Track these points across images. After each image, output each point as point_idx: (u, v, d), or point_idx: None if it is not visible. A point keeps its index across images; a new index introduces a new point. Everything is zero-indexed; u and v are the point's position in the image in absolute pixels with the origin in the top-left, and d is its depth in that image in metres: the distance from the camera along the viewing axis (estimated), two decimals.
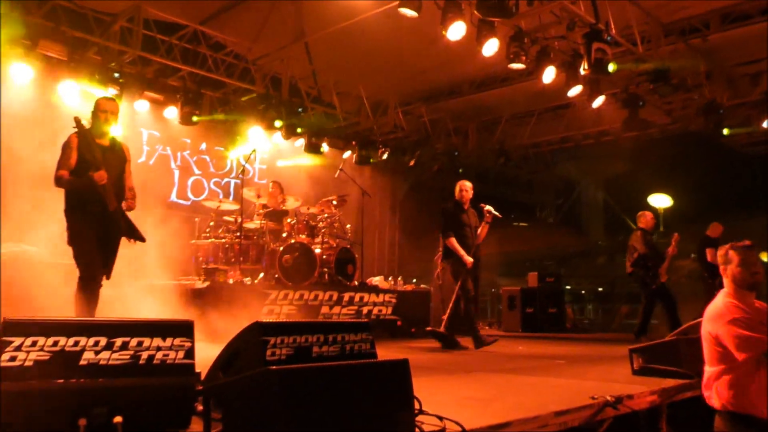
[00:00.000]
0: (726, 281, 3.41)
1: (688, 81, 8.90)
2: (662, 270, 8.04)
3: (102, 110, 4.77)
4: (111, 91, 8.06)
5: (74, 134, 4.64)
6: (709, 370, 3.35)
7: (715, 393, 3.28)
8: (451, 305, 6.71)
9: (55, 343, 2.42)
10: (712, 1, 8.15)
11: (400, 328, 8.43)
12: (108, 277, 4.74)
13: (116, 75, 8.07)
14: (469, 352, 6.58)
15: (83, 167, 4.54)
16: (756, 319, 3.21)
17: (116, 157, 4.82)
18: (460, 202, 6.97)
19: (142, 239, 4.84)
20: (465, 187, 6.98)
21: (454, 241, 6.69)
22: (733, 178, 11.90)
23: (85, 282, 4.53)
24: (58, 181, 4.59)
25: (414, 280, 10.03)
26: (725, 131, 9.77)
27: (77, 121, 4.53)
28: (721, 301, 3.38)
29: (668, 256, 8.10)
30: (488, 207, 6.82)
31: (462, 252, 6.65)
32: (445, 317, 6.76)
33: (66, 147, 4.62)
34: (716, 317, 3.30)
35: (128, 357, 2.55)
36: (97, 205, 4.56)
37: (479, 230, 6.90)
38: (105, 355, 2.50)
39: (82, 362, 2.45)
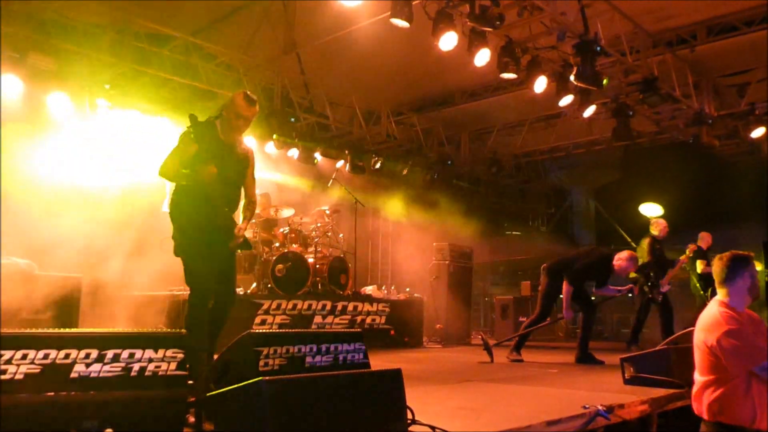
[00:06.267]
0: (723, 290, 3.34)
1: (676, 91, 8.99)
2: (665, 280, 7.99)
3: (238, 114, 3.93)
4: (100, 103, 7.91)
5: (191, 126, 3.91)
6: (699, 379, 3.29)
7: (704, 402, 3.23)
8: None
9: (46, 356, 2.41)
10: (698, 13, 8.27)
11: (394, 337, 8.42)
12: (233, 302, 4.08)
13: (107, 86, 8.06)
14: (460, 362, 6.56)
15: (198, 163, 3.81)
16: (751, 330, 3.18)
17: (235, 160, 4.05)
18: (617, 270, 6.58)
19: (249, 247, 4.23)
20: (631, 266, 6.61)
21: (569, 290, 6.52)
22: (721, 187, 11.98)
23: (198, 302, 3.81)
24: (164, 170, 3.90)
25: (407, 289, 10.00)
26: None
27: (192, 119, 3.81)
28: (715, 310, 3.30)
29: (678, 263, 8.10)
30: (630, 287, 6.90)
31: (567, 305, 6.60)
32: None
33: (184, 136, 3.90)
34: (711, 327, 3.23)
35: (120, 369, 2.54)
36: (208, 210, 3.89)
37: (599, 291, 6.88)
38: (96, 367, 2.49)
39: (72, 375, 2.44)
